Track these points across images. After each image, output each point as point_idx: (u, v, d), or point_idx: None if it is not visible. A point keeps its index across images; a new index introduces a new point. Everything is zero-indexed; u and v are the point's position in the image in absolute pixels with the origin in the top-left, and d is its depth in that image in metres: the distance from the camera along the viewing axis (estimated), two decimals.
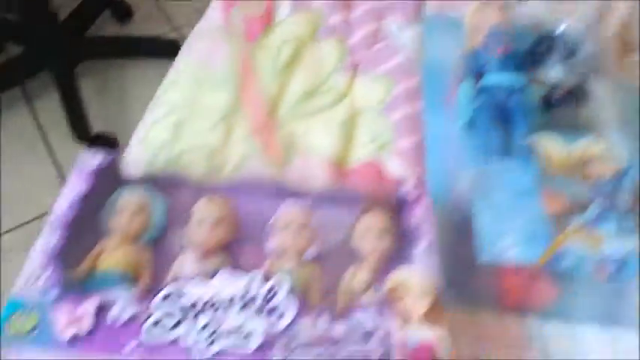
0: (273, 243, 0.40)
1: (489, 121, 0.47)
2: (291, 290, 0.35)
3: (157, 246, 0.41)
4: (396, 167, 0.49)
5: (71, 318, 0.34)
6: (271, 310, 0.34)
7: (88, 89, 1.21)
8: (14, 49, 1.28)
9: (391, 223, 0.40)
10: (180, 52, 0.59)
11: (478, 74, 0.52)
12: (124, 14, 1.37)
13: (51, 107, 1.20)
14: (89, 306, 0.34)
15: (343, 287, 0.38)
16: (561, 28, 0.53)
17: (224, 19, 0.61)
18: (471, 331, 0.40)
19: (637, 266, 0.34)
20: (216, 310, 0.34)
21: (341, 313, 0.34)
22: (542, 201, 0.38)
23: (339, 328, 0.33)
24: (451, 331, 0.37)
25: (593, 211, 0.36)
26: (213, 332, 0.33)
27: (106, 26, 1.36)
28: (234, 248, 0.41)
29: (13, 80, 1.22)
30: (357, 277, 0.38)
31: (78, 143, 1.14)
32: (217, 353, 0.32)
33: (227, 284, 0.35)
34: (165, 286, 0.35)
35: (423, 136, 0.50)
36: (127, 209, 0.40)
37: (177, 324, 0.33)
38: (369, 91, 0.54)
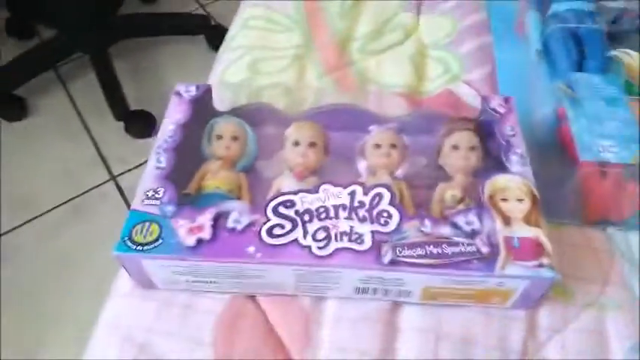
0: (365, 163, 0.41)
1: (563, 45, 0.48)
2: (394, 198, 0.36)
3: (250, 173, 0.42)
4: (469, 97, 0.50)
5: (192, 227, 0.35)
6: (377, 216, 0.35)
7: (121, 69, 1.22)
8: (47, 33, 1.29)
9: (477, 140, 0.41)
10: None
11: (545, 3, 0.53)
12: None
13: (86, 89, 1.21)
14: (208, 215, 0.35)
15: (435, 201, 0.39)
16: None
17: None
18: (557, 242, 0.40)
19: None
20: (326, 217, 0.35)
21: (440, 220, 0.36)
22: (630, 108, 0.39)
23: (445, 229, 0.35)
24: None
25: None
26: (327, 235, 0.35)
27: (134, 7, 1.37)
28: (327, 170, 0.42)
29: (47, 64, 1.23)
30: (447, 192, 0.39)
31: (115, 123, 1.15)
32: (334, 252, 0.34)
33: (331, 195, 0.36)
34: (270, 201, 0.36)
35: (493, 67, 0.51)
36: (225, 136, 0.42)
37: (293, 229, 0.35)
38: (435, 27, 0.55)
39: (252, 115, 0.45)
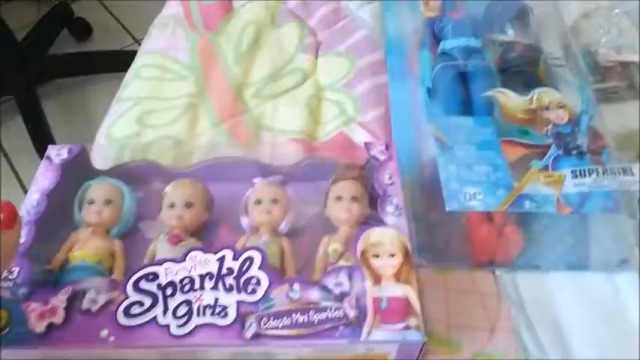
0: (247, 220, 0.40)
1: (450, 83, 0.48)
2: (265, 262, 0.34)
3: (129, 237, 0.40)
4: (363, 139, 0.49)
5: (44, 310, 0.32)
6: (245, 283, 0.33)
7: (51, 110, 1.18)
8: None
9: (362, 189, 0.40)
10: (140, 46, 0.58)
11: (436, 42, 0.53)
12: (83, 32, 1.35)
13: (15, 133, 1.17)
14: (62, 297, 0.33)
15: (319, 256, 0.38)
16: None
17: (183, 9, 0.60)
18: (443, 288, 0.40)
19: (599, 199, 0.35)
20: (191, 288, 0.33)
21: (317, 281, 0.34)
22: (503, 150, 0.39)
23: (314, 293, 0.33)
24: (424, 289, 0.38)
25: (551, 154, 0.37)
26: (189, 310, 0.32)
27: (65, 46, 1.34)
28: (210, 230, 0.41)
29: None
30: (330, 245, 0.38)
31: None
32: (193, 330, 0.32)
33: (198, 263, 0.34)
34: (139, 271, 0.34)
35: (387, 108, 0.51)
36: (97, 200, 0.39)
37: (152, 306, 0.33)
38: (332, 68, 0.55)
39: (134, 172, 0.43)
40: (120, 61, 1.24)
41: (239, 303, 0.32)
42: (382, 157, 0.41)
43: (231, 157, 0.43)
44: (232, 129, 0.50)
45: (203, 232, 0.40)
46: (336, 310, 0.32)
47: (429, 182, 0.42)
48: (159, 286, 0.33)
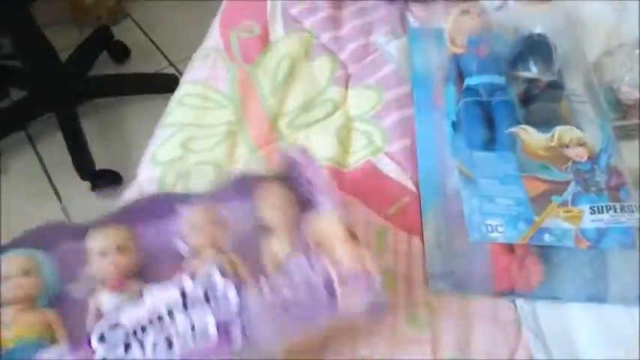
0: (187, 248, 0.40)
1: (474, 118, 0.51)
2: (223, 274, 0.35)
3: (60, 303, 0.38)
4: (390, 169, 0.52)
5: None
6: (214, 298, 0.34)
7: (90, 129, 1.25)
8: (18, 93, 1.33)
9: (289, 193, 0.43)
10: (183, 76, 0.63)
11: (461, 77, 0.56)
12: (122, 54, 1.42)
13: (55, 149, 1.23)
14: None
15: (266, 259, 0.39)
16: (536, 29, 0.57)
17: (223, 42, 0.65)
18: (464, 315, 0.41)
19: (616, 235, 0.37)
20: (160, 322, 0.33)
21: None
22: (524, 185, 0.41)
23: (281, 281, 0.34)
24: (447, 315, 0.39)
25: (571, 190, 0.39)
26: (167, 339, 0.33)
27: (105, 67, 1.42)
28: (150, 270, 0.40)
29: (18, 124, 1.26)
30: (273, 246, 0.40)
31: (83, 182, 1.16)
32: (181, 355, 0.32)
33: (159, 297, 0.34)
34: (92, 330, 0.33)
35: (413, 139, 0.54)
36: (12, 274, 0.37)
37: (127, 349, 0.32)
38: (361, 100, 0.58)
39: (41, 238, 0.41)
40: (154, 84, 1.32)
41: (216, 315, 0.33)
42: (302, 160, 0.43)
43: (148, 196, 0.43)
44: (267, 155, 0.53)
45: (145, 274, 0.39)
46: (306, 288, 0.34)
47: (453, 213, 0.45)
48: (126, 332, 0.33)
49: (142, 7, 1.59)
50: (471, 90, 0.53)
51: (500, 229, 0.38)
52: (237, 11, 0.69)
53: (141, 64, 1.44)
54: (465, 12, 0.58)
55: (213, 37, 0.66)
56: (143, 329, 0.33)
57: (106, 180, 1.14)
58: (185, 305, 0.34)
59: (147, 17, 1.56)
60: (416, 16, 0.67)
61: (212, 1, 0.82)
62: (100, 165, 1.16)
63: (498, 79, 0.53)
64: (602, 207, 0.38)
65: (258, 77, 0.60)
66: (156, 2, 1.59)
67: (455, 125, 0.52)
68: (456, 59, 0.57)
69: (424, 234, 0.45)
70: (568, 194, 0.39)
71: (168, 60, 1.45)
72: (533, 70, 0.56)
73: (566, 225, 0.38)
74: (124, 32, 1.50)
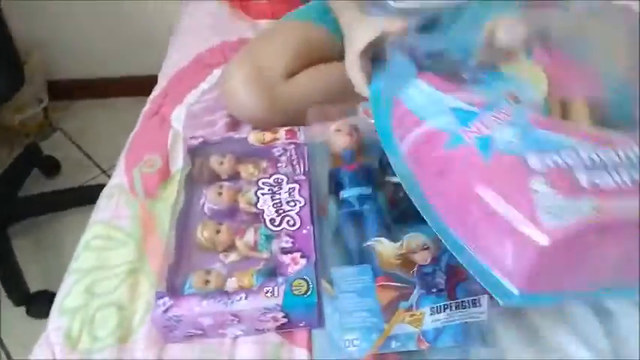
0: None
1: (348, 228, 0.58)
2: None
3: None
4: None
5: None
6: None
7: (23, 248, 1.24)
8: None
9: None
10: (90, 218, 0.67)
11: (339, 189, 0.63)
12: (52, 169, 1.45)
13: None
14: None
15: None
16: None
17: (127, 179, 0.70)
18: None
19: (450, 333, 0.43)
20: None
21: None
22: (377, 294, 0.47)
23: None
24: None
25: (416, 294, 0.45)
26: None
27: (36, 182, 1.43)
28: None
29: None
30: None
31: (17, 307, 1.14)
32: None
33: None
34: None
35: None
36: None
37: None
38: None
39: None
40: (85, 196, 1.34)
41: None
42: None
43: None
44: None
45: None
46: None
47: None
48: None
49: (72, 118, 1.64)
50: (346, 202, 0.60)
51: (355, 342, 0.43)
52: (141, 146, 0.75)
53: (73, 174, 1.47)
54: (337, 131, 0.67)
55: (118, 175, 0.71)
56: None
57: (42, 301, 1.12)
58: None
59: (76, 128, 1.61)
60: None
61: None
62: (35, 285, 1.15)
63: (366, 190, 0.60)
64: (440, 307, 0.44)
65: (160, 211, 0.65)
66: (85, 112, 1.64)
67: (335, 235, 0.58)
68: (334, 172, 0.65)
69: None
70: (413, 298, 0.45)
71: (100, 168, 1.49)
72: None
73: (410, 329, 0.43)
74: (54, 145, 1.53)
